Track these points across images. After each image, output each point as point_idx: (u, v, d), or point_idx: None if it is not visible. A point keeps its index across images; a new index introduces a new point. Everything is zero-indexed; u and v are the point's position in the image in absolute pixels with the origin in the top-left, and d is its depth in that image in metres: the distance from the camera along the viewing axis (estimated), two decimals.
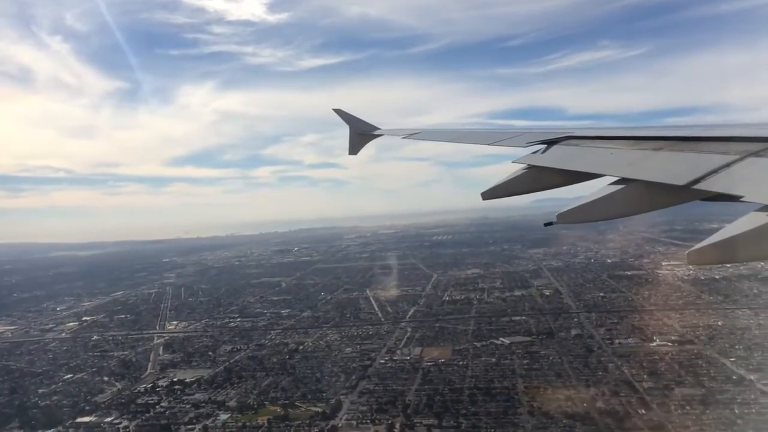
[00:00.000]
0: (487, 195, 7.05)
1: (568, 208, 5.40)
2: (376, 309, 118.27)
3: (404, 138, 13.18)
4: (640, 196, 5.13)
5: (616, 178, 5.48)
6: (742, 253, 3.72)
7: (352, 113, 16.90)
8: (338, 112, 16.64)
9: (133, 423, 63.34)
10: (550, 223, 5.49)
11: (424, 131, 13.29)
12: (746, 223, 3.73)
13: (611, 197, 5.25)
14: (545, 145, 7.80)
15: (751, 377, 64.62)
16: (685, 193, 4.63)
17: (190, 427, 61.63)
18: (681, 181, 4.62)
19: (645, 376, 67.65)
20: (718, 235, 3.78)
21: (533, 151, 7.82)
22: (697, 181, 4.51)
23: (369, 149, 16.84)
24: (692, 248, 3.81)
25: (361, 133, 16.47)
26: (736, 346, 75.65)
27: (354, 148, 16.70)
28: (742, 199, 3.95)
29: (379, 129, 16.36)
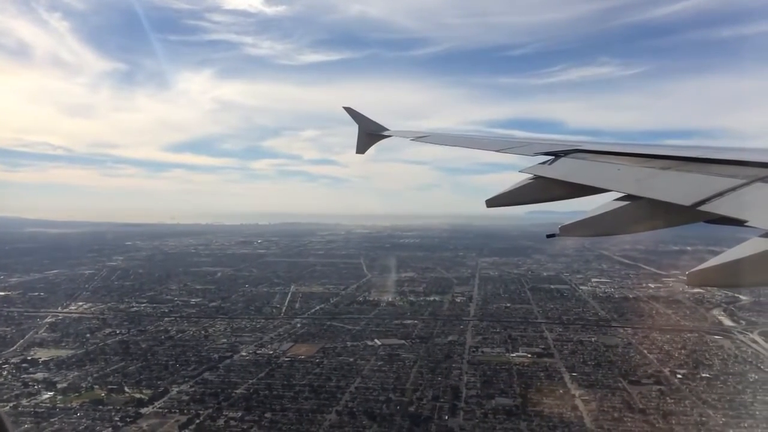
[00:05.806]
0: (492, 203, 6.95)
1: (571, 221, 5.34)
2: (285, 304, 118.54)
3: (413, 140, 13.10)
4: (645, 213, 5.06)
5: (622, 194, 5.42)
6: (743, 277, 3.67)
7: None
8: (348, 110, 16.59)
9: None
10: (553, 235, 5.42)
11: (433, 134, 13.14)
12: (749, 248, 3.67)
13: (615, 213, 5.19)
14: (552, 157, 7.74)
15: (575, 393, 64.49)
16: (690, 213, 4.55)
17: (2, 404, 61.99)
18: (686, 201, 4.54)
19: (478, 385, 67.64)
20: (720, 258, 3.71)
21: (540, 161, 7.76)
22: (702, 202, 4.43)
23: (370, 149, 16.92)
24: (694, 269, 3.74)
25: (369, 133, 16.42)
26: (588, 362, 75.53)
27: (362, 147, 16.67)
28: (746, 224, 3.85)
29: (387, 129, 16.33)
